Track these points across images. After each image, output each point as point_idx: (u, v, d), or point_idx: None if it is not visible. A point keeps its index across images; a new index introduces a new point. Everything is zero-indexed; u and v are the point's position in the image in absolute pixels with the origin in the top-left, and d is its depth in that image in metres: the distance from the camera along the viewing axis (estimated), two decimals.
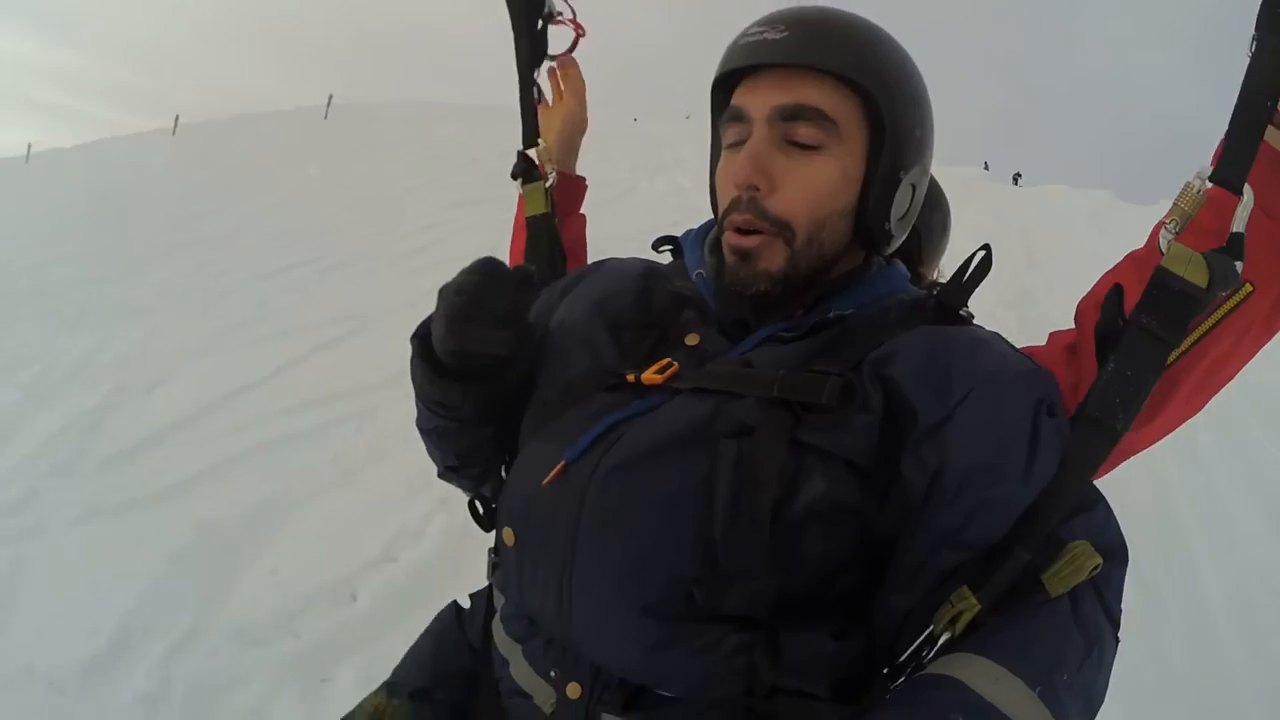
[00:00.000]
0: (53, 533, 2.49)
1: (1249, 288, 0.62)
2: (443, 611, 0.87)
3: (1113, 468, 0.67)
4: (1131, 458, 0.71)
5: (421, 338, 0.74)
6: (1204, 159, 0.62)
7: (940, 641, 0.57)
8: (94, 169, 10.49)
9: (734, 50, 0.71)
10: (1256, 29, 0.57)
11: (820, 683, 0.59)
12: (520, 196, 1.03)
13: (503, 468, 0.83)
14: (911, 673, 0.58)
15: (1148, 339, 0.59)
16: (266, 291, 4.65)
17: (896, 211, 0.72)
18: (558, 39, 1.01)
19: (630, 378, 0.69)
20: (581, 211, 1.09)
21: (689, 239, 0.81)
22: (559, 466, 0.64)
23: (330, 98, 13.64)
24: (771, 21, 0.69)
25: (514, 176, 1.02)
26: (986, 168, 16.28)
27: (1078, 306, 0.70)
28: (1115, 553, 0.57)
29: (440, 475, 0.87)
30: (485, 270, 0.68)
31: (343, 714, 0.81)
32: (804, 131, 0.67)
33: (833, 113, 0.67)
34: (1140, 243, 0.68)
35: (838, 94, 0.67)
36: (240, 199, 7.50)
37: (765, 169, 0.67)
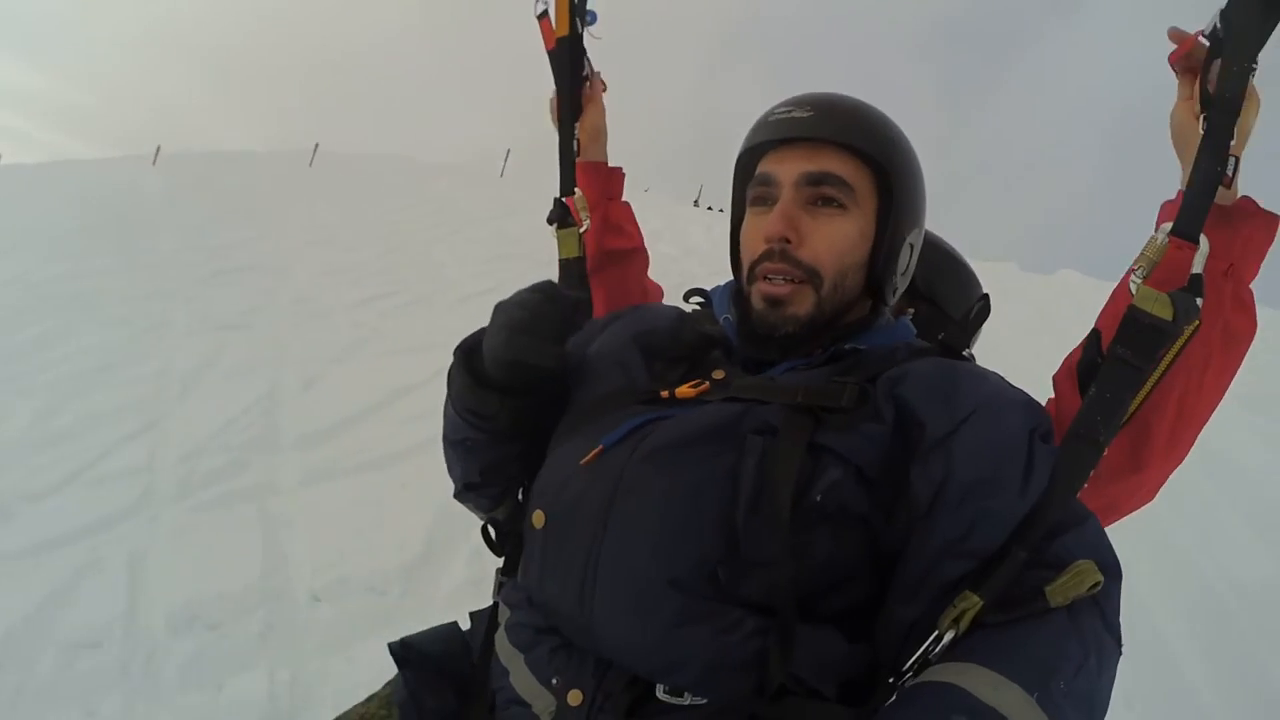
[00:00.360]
0: (285, 491, 2.98)
1: (1195, 321, 0.66)
2: (445, 624, 0.90)
3: (1108, 523, 0.74)
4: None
5: (466, 351, 0.81)
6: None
7: (945, 641, 0.61)
8: (78, 188, 10.12)
9: (764, 125, 0.80)
10: (1210, 107, 0.67)
11: (829, 682, 0.62)
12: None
13: (520, 492, 0.88)
14: (916, 673, 0.62)
15: (1124, 366, 0.66)
16: (362, 317, 5.01)
17: (900, 266, 0.81)
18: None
19: (664, 394, 0.74)
20: (625, 200, 1.19)
21: (718, 291, 0.89)
22: (596, 450, 0.69)
23: (316, 146, 14.09)
24: (798, 103, 0.78)
25: (550, 222, 1.10)
26: None
27: (1054, 377, 0.79)
28: (1111, 569, 0.61)
29: (457, 495, 0.91)
30: (546, 290, 0.77)
31: None
32: (828, 194, 0.76)
33: (851, 180, 0.76)
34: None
35: (854, 165, 0.77)
36: (266, 233, 7.59)
37: (795, 224, 0.75)
